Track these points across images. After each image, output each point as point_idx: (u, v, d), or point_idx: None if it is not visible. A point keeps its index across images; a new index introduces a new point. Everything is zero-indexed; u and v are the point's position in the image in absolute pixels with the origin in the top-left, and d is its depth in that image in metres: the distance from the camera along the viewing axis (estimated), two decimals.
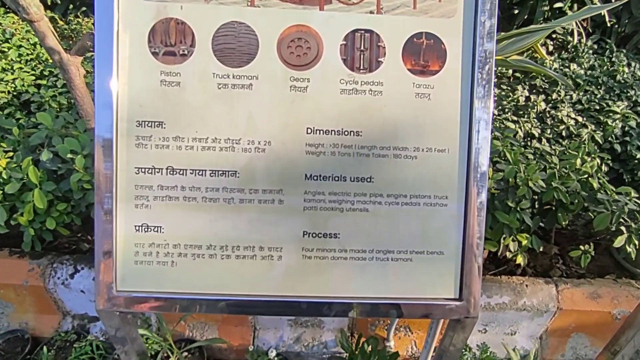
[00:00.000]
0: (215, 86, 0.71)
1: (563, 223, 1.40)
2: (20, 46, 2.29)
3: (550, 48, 2.38)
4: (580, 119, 1.99)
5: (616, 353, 0.96)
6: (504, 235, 1.33)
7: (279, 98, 0.72)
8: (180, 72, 0.71)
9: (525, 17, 2.45)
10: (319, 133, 0.73)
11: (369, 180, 0.74)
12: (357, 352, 1.35)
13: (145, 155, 0.71)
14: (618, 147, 1.93)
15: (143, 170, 0.71)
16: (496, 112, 1.97)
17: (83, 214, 1.36)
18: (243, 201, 0.73)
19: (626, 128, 1.97)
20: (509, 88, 2.13)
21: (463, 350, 1.39)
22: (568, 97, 2.09)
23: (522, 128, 1.92)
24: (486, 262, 1.58)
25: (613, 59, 2.41)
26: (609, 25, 2.58)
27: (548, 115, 2.02)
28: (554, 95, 2.08)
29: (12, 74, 2.11)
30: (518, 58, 1.65)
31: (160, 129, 0.71)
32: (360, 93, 0.73)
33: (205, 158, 0.72)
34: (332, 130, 0.73)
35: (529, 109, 2.02)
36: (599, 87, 2.19)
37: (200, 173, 0.72)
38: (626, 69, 2.26)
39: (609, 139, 1.95)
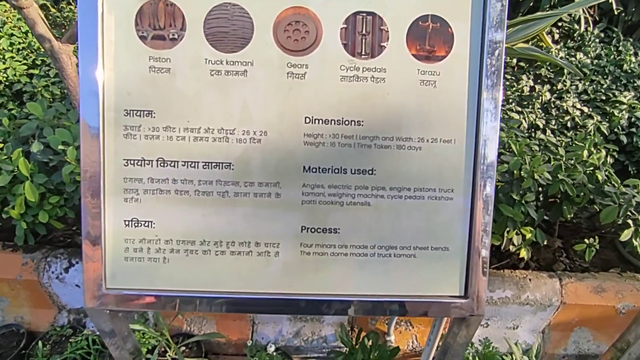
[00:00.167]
0: (207, 72, 0.67)
1: (568, 216, 1.36)
2: (12, 35, 2.23)
3: (556, 36, 2.32)
4: (586, 109, 1.94)
5: (624, 350, 0.93)
6: (507, 229, 1.30)
7: (275, 85, 0.68)
8: (170, 58, 0.67)
9: (531, 4, 2.38)
10: (318, 122, 0.69)
11: (370, 172, 0.70)
12: (357, 347, 1.33)
13: (134, 147, 0.67)
14: (624, 139, 1.89)
15: (132, 162, 0.68)
16: None
17: (76, 207, 1.33)
18: (238, 194, 0.69)
19: (632, 119, 1.92)
20: (513, 78, 2.08)
21: None
22: (574, 87, 2.04)
23: (527, 119, 1.87)
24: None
25: (620, 48, 2.35)
26: (616, 13, 2.52)
27: (553, 106, 1.98)
28: (559, 85, 2.03)
29: (4, 63, 2.06)
30: (524, 46, 1.59)
31: (150, 118, 0.67)
32: (361, 80, 0.69)
33: (197, 149, 0.68)
34: (331, 120, 0.69)
35: (534, 99, 1.97)
36: (605, 76, 2.14)
37: (192, 165, 0.68)
38: (633, 59, 2.21)
39: (615, 130, 1.90)
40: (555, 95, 2.00)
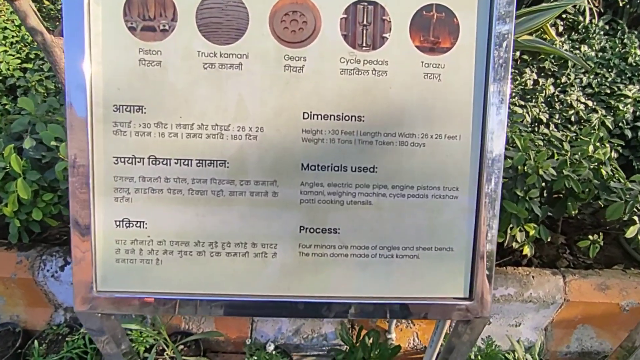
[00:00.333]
0: (200, 66, 0.64)
1: (573, 212, 1.34)
2: (5, 28, 2.19)
3: (560, 29, 2.28)
4: (590, 103, 1.91)
5: (631, 351, 0.91)
6: (511, 225, 1.27)
7: (271, 79, 0.65)
8: (161, 50, 0.63)
9: None
10: (317, 118, 0.66)
11: (372, 170, 0.67)
12: (357, 345, 1.32)
13: (124, 144, 0.64)
14: (629, 133, 1.86)
15: (122, 160, 0.65)
16: None
17: None
18: (233, 193, 0.66)
19: (637, 113, 1.89)
20: (516, 71, 2.04)
21: None
22: (578, 80, 2.01)
23: (530, 113, 1.84)
24: None
25: (625, 41, 2.31)
26: (620, 4, 2.47)
27: (557, 100, 1.94)
28: (564, 79, 2.00)
29: None
30: (529, 38, 1.56)
31: (141, 114, 0.64)
32: (362, 73, 0.66)
33: (191, 146, 0.65)
34: (331, 115, 0.66)
35: (537, 93, 1.93)
36: (610, 70, 2.10)
37: (185, 163, 0.65)
38: (638, 51, 2.16)
39: (620, 124, 1.87)
40: (559, 88, 1.97)
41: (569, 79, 1.99)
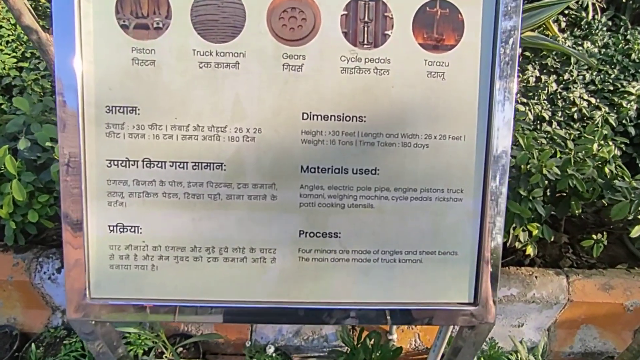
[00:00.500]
0: (196, 65, 0.62)
1: (577, 212, 1.32)
2: (0, 27, 2.16)
3: (563, 25, 2.25)
4: (593, 100, 1.88)
5: (638, 355, 0.89)
6: (513, 225, 1.26)
7: (269, 78, 0.63)
8: (155, 49, 0.61)
9: None
10: (317, 119, 0.64)
11: (373, 172, 0.65)
12: (358, 346, 1.30)
13: (117, 146, 0.62)
14: (632, 130, 1.84)
15: (116, 162, 0.63)
16: None
17: None
18: (231, 197, 0.64)
19: None
20: (518, 68, 2.02)
21: None
22: (581, 77, 1.98)
23: (532, 110, 1.82)
24: None
25: (628, 37, 2.28)
26: (623, 0, 2.44)
27: (559, 97, 1.92)
28: (566, 76, 1.97)
29: None
30: (532, 35, 1.53)
31: (134, 115, 0.62)
32: (363, 72, 0.63)
33: (186, 148, 0.63)
34: (331, 116, 0.64)
35: (540, 90, 1.91)
36: (613, 66, 2.08)
37: (181, 166, 0.63)
38: None
39: (623, 121, 1.85)
40: (561, 85, 1.94)
41: (572, 75, 1.97)
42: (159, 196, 0.63)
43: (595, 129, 1.44)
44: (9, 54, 2.06)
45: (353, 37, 0.63)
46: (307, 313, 0.66)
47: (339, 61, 0.63)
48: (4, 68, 1.99)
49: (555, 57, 2.03)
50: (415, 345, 1.45)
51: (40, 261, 1.36)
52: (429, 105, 0.64)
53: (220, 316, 0.65)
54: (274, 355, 1.32)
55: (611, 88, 1.97)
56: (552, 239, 1.32)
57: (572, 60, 1.97)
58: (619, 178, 1.28)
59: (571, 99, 1.88)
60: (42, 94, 1.90)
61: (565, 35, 2.20)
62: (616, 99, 1.90)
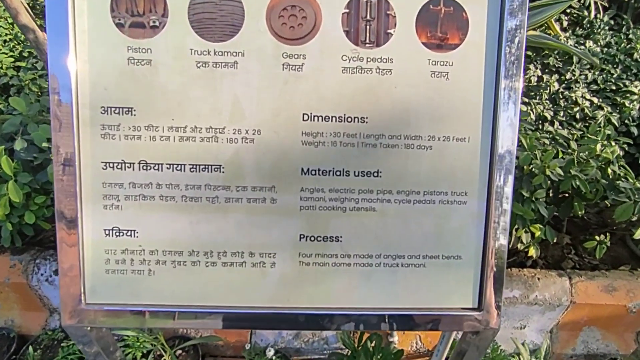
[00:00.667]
0: (193, 65, 0.60)
1: (580, 213, 1.31)
2: None
3: (565, 24, 2.23)
4: (595, 100, 1.87)
5: None
6: (516, 227, 1.24)
7: (269, 78, 0.61)
8: (152, 48, 0.60)
9: None
10: (317, 120, 0.62)
11: (375, 174, 0.64)
12: (359, 349, 1.29)
13: (113, 148, 0.61)
14: (635, 130, 1.82)
15: (111, 165, 0.61)
16: None
17: None
18: (229, 200, 0.63)
19: None
20: None
21: None
22: (583, 76, 1.97)
23: (534, 110, 1.80)
24: None
25: (630, 36, 2.26)
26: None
27: (561, 97, 1.90)
28: (568, 75, 1.95)
29: None
30: (535, 34, 1.52)
31: (130, 116, 0.60)
32: (365, 72, 0.62)
33: (184, 150, 0.61)
34: (332, 117, 0.62)
35: (542, 90, 1.89)
36: (615, 66, 2.06)
37: (178, 168, 0.62)
38: None
39: (626, 121, 1.83)
40: (563, 85, 1.93)
41: (574, 75, 1.95)
42: (156, 199, 0.62)
43: (598, 128, 1.42)
44: (7, 53, 2.04)
45: (355, 35, 0.61)
46: (308, 319, 0.64)
47: (340, 61, 0.62)
48: (1, 67, 1.97)
49: (557, 57, 2.01)
50: (416, 347, 1.44)
51: (37, 263, 1.35)
52: (432, 105, 0.63)
53: (219, 322, 0.64)
54: (273, 358, 1.30)
55: (613, 88, 1.95)
56: (554, 240, 1.31)
57: (574, 59, 1.95)
58: (623, 179, 1.27)
59: (573, 98, 1.87)
60: (39, 93, 1.88)
61: (567, 34, 2.19)
62: (618, 99, 1.89)
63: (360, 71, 0.62)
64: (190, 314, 0.64)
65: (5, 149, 1.20)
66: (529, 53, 2.07)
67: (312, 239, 0.64)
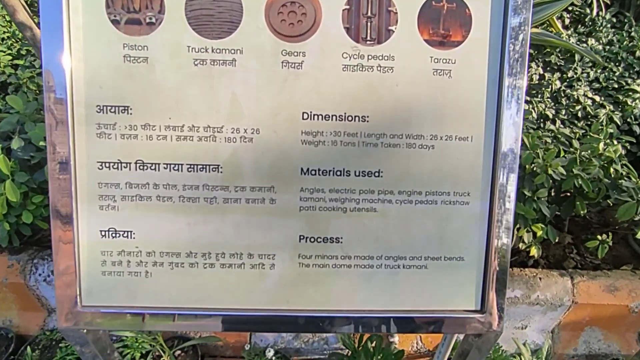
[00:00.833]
0: (190, 62, 0.59)
1: (582, 212, 1.29)
2: None
3: (567, 22, 2.22)
4: (597, 98, 1.85)
5: None
6: (517, 226, 1.23)
7: (268, 76, 0.60)
8: (148, 45, 0.58)
9: None
10: (317, 118, 0.61)
11: (377, 174, 0.63)
12: (359, 349, 1.28)
13: (109, 147, 0.59)
14: (637, 129, 1.81)
15: (107, 165, 0.60)
16: None
17: None
18: (228, 201, 0.62)
19: None
20: None
21: None
22: (585, 74, 1.95)
23: (536, 109, 1.79)
24: None
25: (632, 34, 2.25)
26: None
27: (563, 95, 1.89)
28: (570, 73, 1.94)
29: None
30: (537, 31, 1.50)
31: (126, 115, 0.59)
32: (366, 69, 0.61)
33: (181, 150, 0.60)
34: (332, 115, 0.61)
35: (543, 88, 1.88)
36: (617, 64, 2.05)
37: (175, 168, 0.60)
38: None
39: (628, 119, 1.82)
40: (565, 83, 1.91)
41: (576, 73, 1.94)
42: (153, 200, 0.61)
43: (600, 127, 1.41)
44: (4, 52, 2.02)
45: (355, 32, 0.60)
46: (308, 321, 0.63)
47: (341, 58, 0.60)
48: None
49: (559, 55, 2.00)
50: (417, 347, 1.43)
51: (35, 263, 1.34)
52: (434, 104, 0.61)
53: (217, 324, 0.63)
54: (273, 358, 1.29)
55: (616, 86, 1.94)
56: (556, 240, 1.30)
57: (576, 57, 1.94)
58: (625, 178, 1.26)
59: (575, 97, 1.85)
60: (37, 92, 1.87)
61: (569, 32, 2.17)
62: (621, 97, 1.87)
63: (361, 69, 0.61)
64: (188, 317, 0.63)
65: (2, 148, 1.19)
66: (531, 51, 2.06)
67: (312, 240, 0.63)
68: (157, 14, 0.58)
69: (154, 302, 0.62)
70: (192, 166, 0.61)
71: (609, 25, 2.25)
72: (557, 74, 1.93)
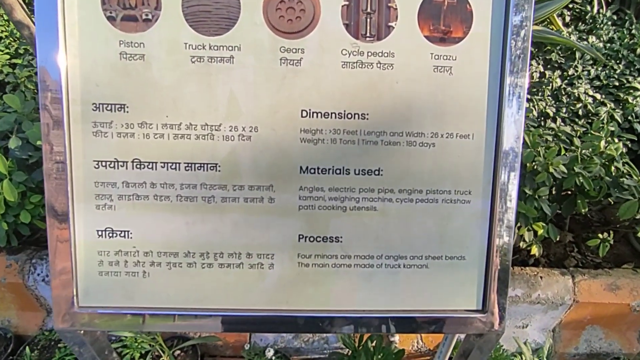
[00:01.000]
0: (187, 59, 0.58)
1: (583, 210, 1.29)
2: None
3: (567, 19, 2.20)
4: (598, 96, 1.85)
5: None
6: (518, 225, 1.22)
7: (266, 73, 0.59)
8: (144, 42, 0.57)
9: None
10: (316, 116, 0.60)
11: (377, 173, 0.62)
12: (360, 349, 1.27)
13: (105, 146, 0.59)
14: (638, 127, 1.80)
15: (104, 163, 0.59)
16: None
17: None
18: (226, 200, 0.61)
19: None
20: None
21: None
22: (585, 72, 1.94)
23: (536, 107, 1.78)
24: None
25: (633, 31, 2.24)
26: None
27: (564, 93, 1.88)
28: (571, 71, 1.93)
29: None
30: (538, 29, 1.49)
31: (123, 113, 0.58)
32: (366, 66, 0.60)
33: (178, 148, 0.59)
34: (332, 113, 0.60)
35: (544, 86, 1.87)
36: (618, 61, 2.04)
37: (173, 167, 0.60)
38: None
39: (629, 117, 1.81)
40: (566, 81, 1.90)
41: (577, 71, 1.93)
42: (150, 199, 0.60)
43: (601, 125, 1.40)
44: (2, 51, 2.01)
45: (355, 29, 0.59)
46: (307, 321, 0.62)
47: (340, 55, 0.60)
48: None
49: (560, 52, 1.99)
50: (417, 347, 1.43)
51: (33, 263, 1.33)
52: (435, 101, 0.61)
53: (217, 325, 0.62)
54: (273, 358, 1.29)
55: (616, 84, 1.93)
56: (557, 239, 1.29)
57: (577, 55, 1.93)
58: (627, 176, 1.25)
59: (576, 94, 1.85)
60: (35, 91, 1.86)
61: (570, 29, 2.16)
62: (622, 95, 1.87)
63: (360, 66, 0.60)
64: (185, 317, 0.62)
65: None
66: (531, 49, 2.05)
67: (312, 239, 0.62)
68: (154, 11, 0.57)
69: (152, 303, 0.62)
70: (189, 165, 0.60)
71: (609, 23, 2.24)
72: (558, 72, 1.92)
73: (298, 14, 0.59)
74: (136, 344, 1.28)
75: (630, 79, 1.93)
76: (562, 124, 1.77)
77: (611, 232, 1.32)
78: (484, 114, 0.61)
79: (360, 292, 0.63)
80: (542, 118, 1.81)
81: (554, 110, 1.81)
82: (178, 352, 1.34)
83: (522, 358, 1.31)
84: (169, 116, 0.59)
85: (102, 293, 0.61)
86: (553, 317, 1.40)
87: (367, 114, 0.61)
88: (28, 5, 2.10)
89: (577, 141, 1.33)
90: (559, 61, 1.97)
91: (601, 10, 2.26)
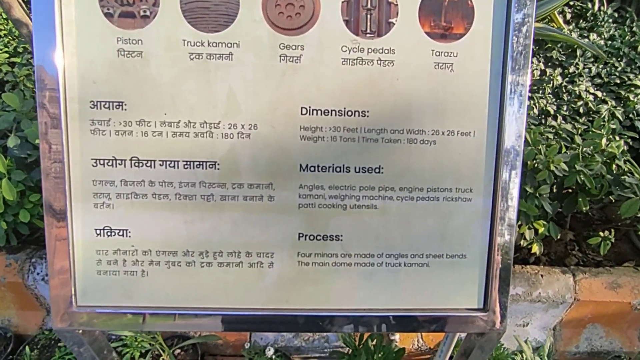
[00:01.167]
0: (186, 56, 0.58)
1: (584, 208, 1.28)
2: None
3: (568, 16, 2.20)
4: (599, 94, 1.84)
5: None
6: (519, 223, 1.22)
7: (266, 70, 0.58)
8: (142, 39, 0.57)
9: None
10: (316, 114, 0.60)
11: (377, 170, 0.61)
12: (360, 347, 1.27)
13: (103, 144, 0.58)
14: (639, 125, 1.79)
15: (102, 162, 0.59)
16: None
17: None
18: (225, 198, 0.60)
19: None
20: None
21: None
22: (586, 70, 1.93)
23: (537, 104, 1.77)
24: None
25: (634, 29, 2.23)
26: None
27: (564, 90, 1.87)
28: (572, 69, 1.92)
29: None
30: (540, 26, 1.48)
31: (121, 110, 0.58)
32: (366, 63, 0.59)
33: (177, 146, 0.59)
34: (332, 110, 0.60)
35: (544, 84, 1.86)
36: (619, 59, 2.03)
37: (171, 165, 0.59)
38: None
39: (630, 115, 1.81)
40: (567, 79, 1.90)
41: (578, 68, 1.92)
42: (149, 197, 0.59)
43: (602, 123, 1.40)
44: (1, 49, 2.00)
45: (355, 25, 0.59)
46: (307, 320, 0.62)
47: (340, 52, 0.59)
48: None
49: (561, 50, 1.98)
50: (417, 345, 1.42)
51: (33, 262, 1.33)
52: (436, 98, 0.60)
53: (217, 324, 0.62)
54: (273, 357, 1.29)
55: (617, 81, 1.92)
56: (558, 237, 1.29)
57: (578, 52, 1.92)
58: (628, 174, 1.24)
59: (577, 92, 1.84)
60: (34, 90, 1.85)
61: (571, 27, 2.15)
62: (623, 92, 1.86)
63: (360, 62, 0.59)
64: (184, 317, 0.62)
65: None
66: (532, 46, 2.04)
67: (312, 238, 0.62)
68: (152, 7, 0.57)
69: (151, 302, 0.61)
70: (188, 163, 0.59)
71: (610, 20, 2.24)
72: (559, 70, 1.91)
73: (297, 10, 0.58)
74: (136, 343, 1.27)
75: (632, 76, 1.93)
76: (563, 121, 1.76)
77: (612, 230, 1.31)
78: (485, 111, 0.61)
79: (360, 290, 0.63)
80: (543, 116, 1.80)
81: (555, 108, 1.80)
82: (178, 351, 1.34)
83: (522, 356, 1.31)
84: (168, 114, 0.58)
85: (101, 292, 0.61)
86: (554, 316, 1.40)
87: (368, 111, 0.60)
88: (27, 3, 2.09)
89: (578, 139, 1.32)
90: (559, 59, 1.96)
91: (602, 8, 2.25)
